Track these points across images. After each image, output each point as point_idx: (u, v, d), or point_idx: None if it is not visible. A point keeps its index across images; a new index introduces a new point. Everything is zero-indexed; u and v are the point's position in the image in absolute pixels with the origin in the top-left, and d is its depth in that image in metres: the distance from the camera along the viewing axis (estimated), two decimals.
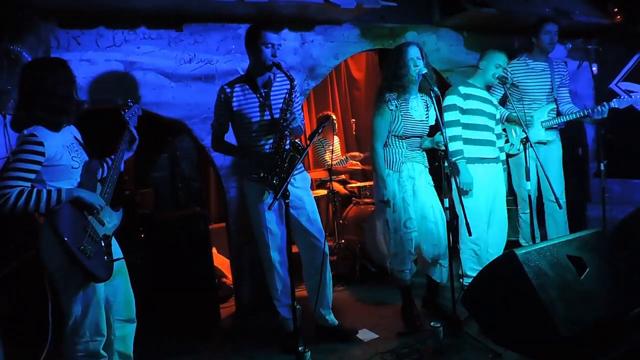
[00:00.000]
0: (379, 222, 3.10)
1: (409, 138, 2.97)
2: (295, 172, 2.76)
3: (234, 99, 2.69)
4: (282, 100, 2.70)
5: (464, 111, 3.30)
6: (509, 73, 3.67)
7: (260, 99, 2.69)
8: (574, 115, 3.61)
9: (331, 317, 2.98)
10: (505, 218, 3.49)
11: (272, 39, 2.62)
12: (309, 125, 5.62)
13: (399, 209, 2.93)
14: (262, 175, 2.61)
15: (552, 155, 3.76)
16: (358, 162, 5.08)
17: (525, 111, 3.66)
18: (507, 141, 3.75)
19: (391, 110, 2.91)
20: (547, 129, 3.68)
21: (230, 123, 2.80)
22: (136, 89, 3.07)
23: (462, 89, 3.32)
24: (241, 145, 2.80)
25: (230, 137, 2.87)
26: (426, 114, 3.04)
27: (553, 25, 3.62)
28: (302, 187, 2.84)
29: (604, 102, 3.49)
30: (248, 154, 2.74)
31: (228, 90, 2.71)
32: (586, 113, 3.54)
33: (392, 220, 2.97)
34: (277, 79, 2.75)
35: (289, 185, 2.50)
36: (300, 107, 2.86)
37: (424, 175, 3.04)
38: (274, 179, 2.59)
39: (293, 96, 2.67)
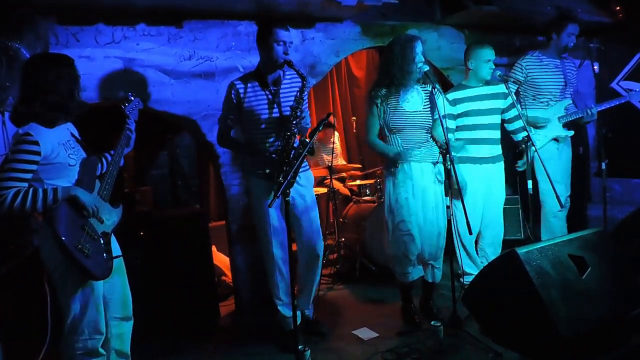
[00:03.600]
0: (384, 220, 3.08)
1: (402, 131, 2.90)
2: (301, 170, 2.75)
3: (243, 95, 2.69)
4: (291, 98, 2.70)
5: (455, 117, 3.28)
6: (523, 69, 3.66)
7: (270, 96, 2.70)
8: (575, 115, 3.63)
9: (309, 312, 3.03)
10: (501, 218, 3.47)
11: (284, 37, 2.62)
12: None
13: (393, 210, 2.92)
14: (268, 172, 2.61)
15: (566, 153, 3.75)
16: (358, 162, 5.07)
17: (540, 108, 3.64)
18: None
19: (376, 103, 2.89)
20: (564, 125, 3.67)
21: (238, 119, 2.79)
22: (135, 86, 3.05)
23: (450, 96, 3.29)
24: (248, 141, 2.79)
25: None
26: (424, 105, 2.93)
27: (576, 27, 3.58)
28: (306, 185, 2.84)
29: (592, 105, 3.59)
30: (254, 151, 2.73)
31: (238, 86, 2.71)
32: (580, 115, 3.61)
33: (389, 220, 2.97)
34: (287, 77, 2.75)
35: (295, 183, 2.57)
36: (307, 105, 2.86)
37: (428, 174, 2.93)
38: (279, 177, 2.58)
39: (304, 94, 2.66)
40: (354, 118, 5.38)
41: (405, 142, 2.90)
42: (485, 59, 3.23)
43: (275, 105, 2.69)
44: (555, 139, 3.67)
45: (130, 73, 3.07)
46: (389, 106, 2.89)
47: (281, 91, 2.71)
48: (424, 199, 2.93)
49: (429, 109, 2.94)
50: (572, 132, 3.73)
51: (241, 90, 2.70)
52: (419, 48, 2.83)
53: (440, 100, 2.90)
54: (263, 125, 2.70)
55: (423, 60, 2.84)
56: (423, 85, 2.96)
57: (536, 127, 3.61)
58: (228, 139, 2.84)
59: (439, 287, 3.41)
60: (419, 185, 2.91)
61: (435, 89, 2.84)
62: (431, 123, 2.96)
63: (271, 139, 2.70)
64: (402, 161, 2.85)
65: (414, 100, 2.93)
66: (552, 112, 3.66)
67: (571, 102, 3.69)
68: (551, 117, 3.65)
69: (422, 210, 2.93)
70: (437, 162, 2.97)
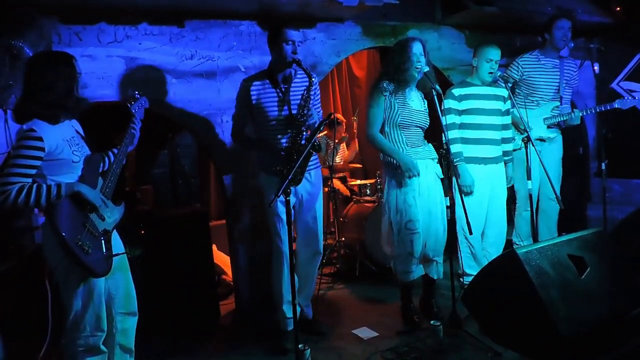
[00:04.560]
0: (384, 221, 3.09)
1: (408, 128, 2.94)
2: (312, 167, 2.82)
3: (254, 93, 2.75)
4: (300, 97, 2.75)
5: (461, 112, 3.30)
6: (520, 67, 3.69)
7: (280, 94, 2.75)
8: (560, 118, 3.66)
9: (308, 310, 3.05)
10: (504, 218, 3.48)
11: (293, 37, 2.69)
12: None
13: (401, 211, 2.93)
14: (279, 168, 2.64)
15: (552, 154, 3.77)
16: (357, 156, 5.07)
17: (528, 108, 3.66)
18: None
19: (385, 96, 2.90)
20: (548, 126, 3.69)
21: (250, 116, 2.84)
22: (137, 85, 3.06)
23: (457, 91, 3.31)
24: (259, 138, 2.84)
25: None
26: (424, 106, 3.04)
27: (566, 21, 3.62)
28: (316, 183, 2.89)
29: (575, 110, 3.63)
30: (265, 147, 2.78)
31: (249, 83, 2.77)
32: (564, 118, 3.64)
33: (395, 222, 2.97)
34: (298, 76, 2.80)
35: (304, 180, 2.65)
36: (319, 103, 2.90)
37: (430, 170, 3.00)
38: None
39: (311, 93, 2.72)
40: (355, 118, 5.39)
41: (409, 139, 2.96)
42: (487, 57, 3.25)
43: (285, 104, 2.74)
44: (541, 140, 3.69)
45: (132, 72, 3.07)
46: (397, 101, 2.91)
47: (291, 90, 2.77)
48: (429, 196, 2.98)
49: (427, 111, 3.03)
50: (556, 134, 3.74)
51: (252, 88, 2.75)
52: (415, 48, 2.87)
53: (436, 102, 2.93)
54: (273, 123, 2.75)
55: (423, 61, 2.87)
56: (418, 90, 3.05)
57: (519, 129, 3.63)
58: (241, 135, 2.89)
59: (439, 287, 3.42)
60: (425, 182, 2.96)
61: (434, 91, 2.85)
62: (429, 124, 3.03)
63: (281, 137, 2.75)
64: (413, 173, 2.82)
65: (417, 100, 3.01)
66: (538, 112, 3.68)
67: (560, 104, 3.71)
68: (536, 118, 3.67)
69: (427, 207, 2.98)
70: (434, 159, 3.03)
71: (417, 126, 2.98)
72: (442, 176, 3.04)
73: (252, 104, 2.76)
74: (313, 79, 2.72)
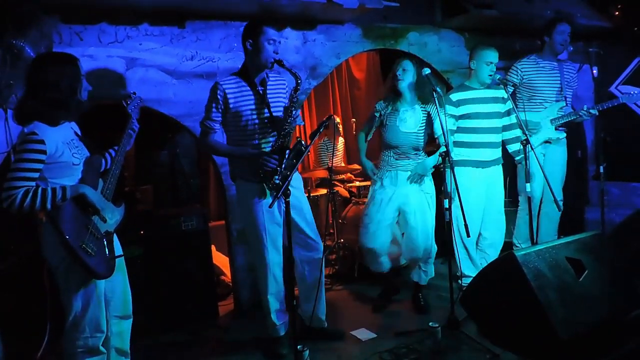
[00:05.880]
0: None
1: (396, 148, 3.10)
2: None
3: (231, 95, 2.59)
4: (277, 98, 2.69)
5: (458, 117, 3.33)
6: (519, 71, 3.69)
7: (259, 97, 2.63)
8: (568, 117, 3.65)
9: (324, 318, 2.97)
10: (503, 220, 3.50)
11: (275, 35, 2.58)
12: (309, 125, 5.62)
13: (367, 204, 3.22)
14: (262, 174, 2.54)
15: (559, 155, 3.78)
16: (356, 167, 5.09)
17: (533, 110, 3.67)
18: None
19: (379, 113, 3.13)
20: (556, 127, 3.69)
21: (224, 121, 2.68)
22: (137, 86, 3.07)
23: (454, 96, 3.33)
24: (233, 144, 2.69)
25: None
26: (420, 126, 3.08)
27: (566, 25, 3.63)
28: (298, 187, 2.81)
29: (582, 111, 3.61)
30: (245, 153, 2.63)
31: (225, 86, 2.60)
32: (573, 117, 3.64)
33: (363, 214, 3.25)
34: (271, 77, 2.71)
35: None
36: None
37: (415, 184, 3.11)
38: (275, 178, 2.54)
39: (298, 94, 2.62)
40: (354, 120, 5.40)
41: (396, 155, 3.12)
42: (487, 60, 3.26)
43: (264, 106, 2.62)
44: (547, 142, 3.70)
45: (132, 73, 3.08)
46: (388, 121, 3.10)
47: (268, 91, 2.66)
48: (404, 205, 3.12)
49: (423, 130, 3.10)
50: (564, 134, 3.75)
51: (228, 91, 2.58)
52: (398, 64, 3.07)
53: (441, 114, 2.93)
54: (252, 127, 2.62)
55: (404, 75, 3.04)
56: (423, 106, 3.10)
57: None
58: (213, 142, 2.69)
59: (437, 288, 3.44)
60: (402, 192, 3.11)
61: (435, 92, 2.86)
62: (422, 144, 3.13)
63: (260, 140, 2.63)
64: (374, 178, 3.23)
65: (410, 120, 3.09)
66: (545, 114, 3.68)
67: (565, 104, 3.71)
68: (543, 119, 3.67)
69: (404, 215, 3.15)
70: (423, 175, 3.14)
71: (405, 145, 3.10)
72: (427, 191, 3.15)
73: (230, 107, 2.59)
74: (300, 80, 2.56)
